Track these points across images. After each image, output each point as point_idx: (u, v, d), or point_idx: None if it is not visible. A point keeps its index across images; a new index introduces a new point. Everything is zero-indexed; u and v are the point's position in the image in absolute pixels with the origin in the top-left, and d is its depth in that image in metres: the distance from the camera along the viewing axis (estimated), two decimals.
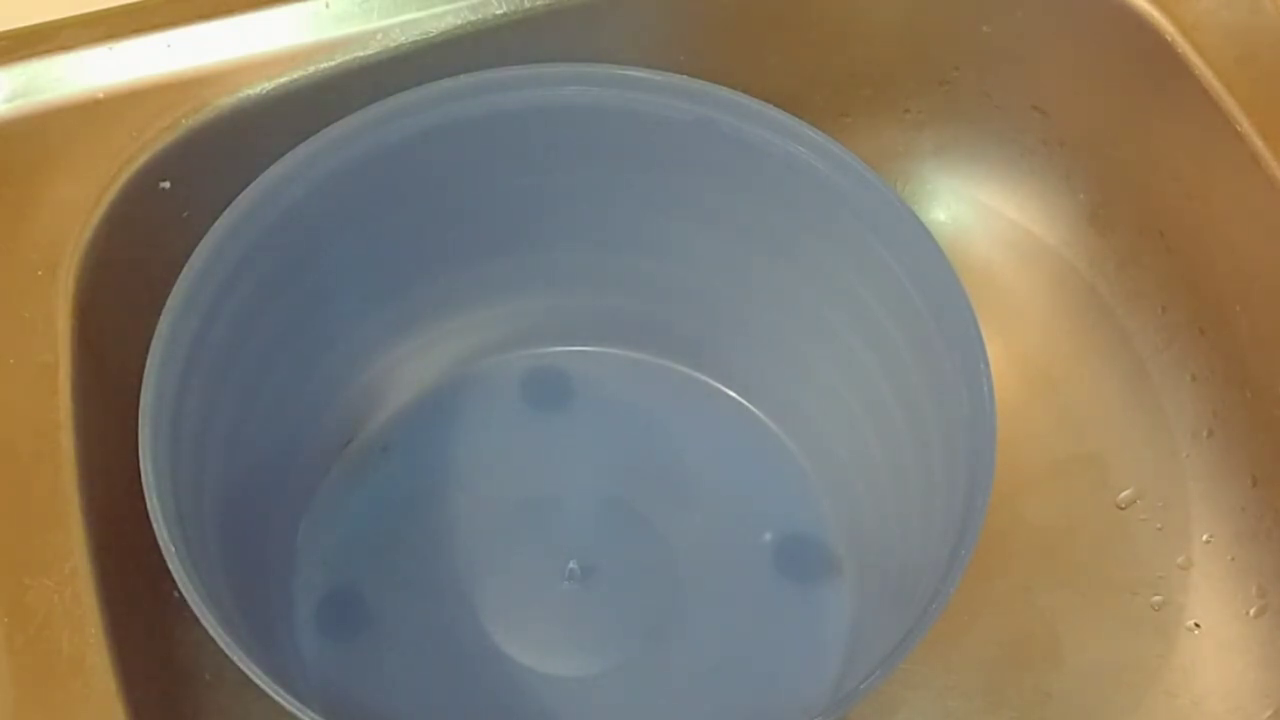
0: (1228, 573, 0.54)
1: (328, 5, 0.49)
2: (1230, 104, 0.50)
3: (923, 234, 0.45)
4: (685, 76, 0.47)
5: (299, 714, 0.37)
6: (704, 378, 0.56)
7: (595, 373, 0.56)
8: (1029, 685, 0.52)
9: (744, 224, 0.50)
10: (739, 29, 0.55)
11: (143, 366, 0.40)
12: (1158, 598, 0.54)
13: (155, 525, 0.38)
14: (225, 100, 0.48)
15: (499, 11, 0.50)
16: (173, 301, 0.42)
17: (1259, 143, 0.49)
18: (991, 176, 0.61)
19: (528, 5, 0.50)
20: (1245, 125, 0.50)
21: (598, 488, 0.53)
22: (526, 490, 0.53)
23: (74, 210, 0.46)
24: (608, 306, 0.55)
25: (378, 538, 0.52)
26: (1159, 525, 0.55)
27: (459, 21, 0.50)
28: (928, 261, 0.45)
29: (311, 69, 0.49)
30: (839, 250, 0.48)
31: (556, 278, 0.54)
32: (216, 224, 0.43)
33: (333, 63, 0.49)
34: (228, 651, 0.37)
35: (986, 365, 0.43)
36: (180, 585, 0.38)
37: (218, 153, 0.48)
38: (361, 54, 0.49)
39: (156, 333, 0.41)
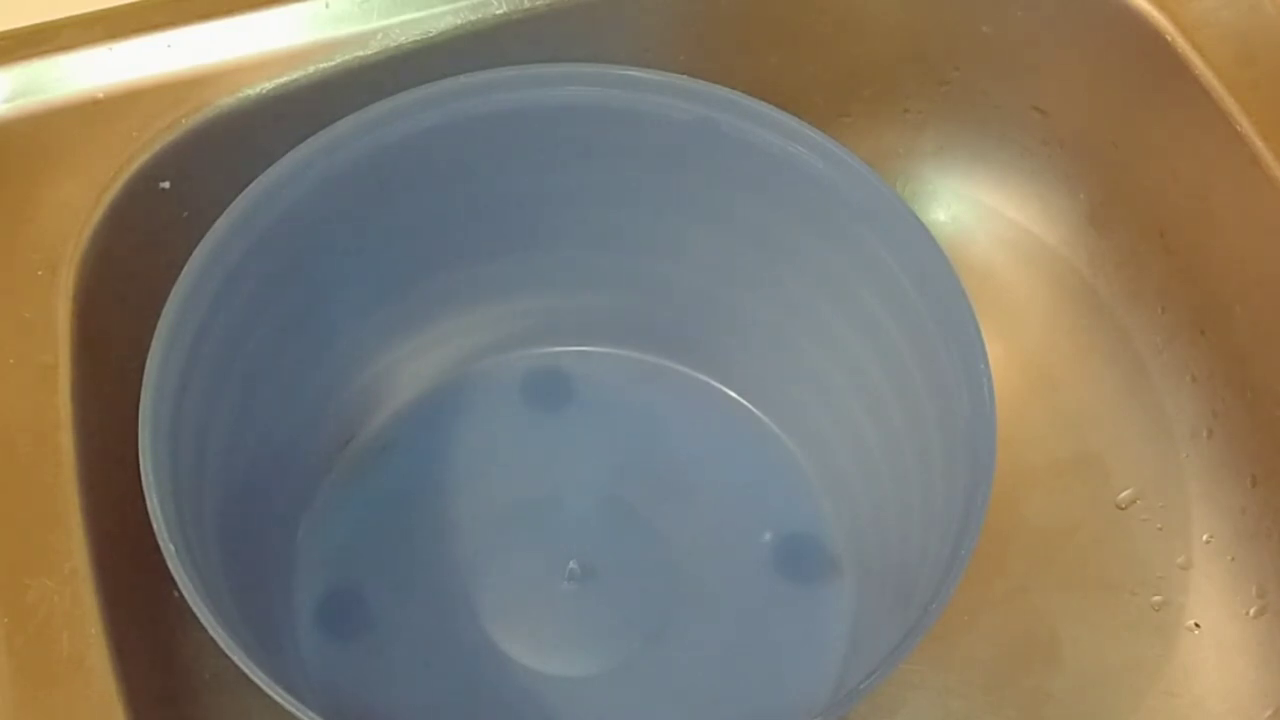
0: (1228, 573, 0.54)
1: (328, 5, 0.49)
2: (1230, 104, 0.50)
3: (923, 234, 0.45)
4: (685, 76, 0.47)
5: (299, 714, 0.37)
6: (704, 378, 0.56)
7: (595, 373, 0.56)
8: (1029, 685, 0.52)
9: (744, 224, 0.50)
10: (739, 29, 0.55)
11: (143, 366, 0.40)
12: (1158, 598, 0.54)
13: (155, 525, 0.38)
14: (225, 100, 0.48)
15: (499, 11, 0.50)
16: (173, 301, 0.42)
17: (1259, 143, 0.49)
18: (991, 176, 0.61)
19: (528, 5, 0.50)
20: (1245, 125, 0.50)
21: (598, 488, 0.53)
22: (526, 490, 0.53)
23: (74, 210, 0.46)
24: (608, 306, 0.55)
25: (378, 538, 0.52)
26: (1159, 525, 0.55)
27: (459, 21, 0.50)
28: (928, 261, 0.45)
29: (311, 69, 0.49)
30: (839, 250, 0.48)
31: (556, 278, 0.54)
32: (216, 224, 0.43)
33: (332, 63, 0.49)
34: (228, 651, 0.37)
35: (986, 365, 0.43)
36: (180, 585, 0.38)
37: (218, 153, 0.48)
38: (361, 54, 0.49)
39: (156, 333, 0.41)
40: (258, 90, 0.48)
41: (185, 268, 0.42)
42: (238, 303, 0.44)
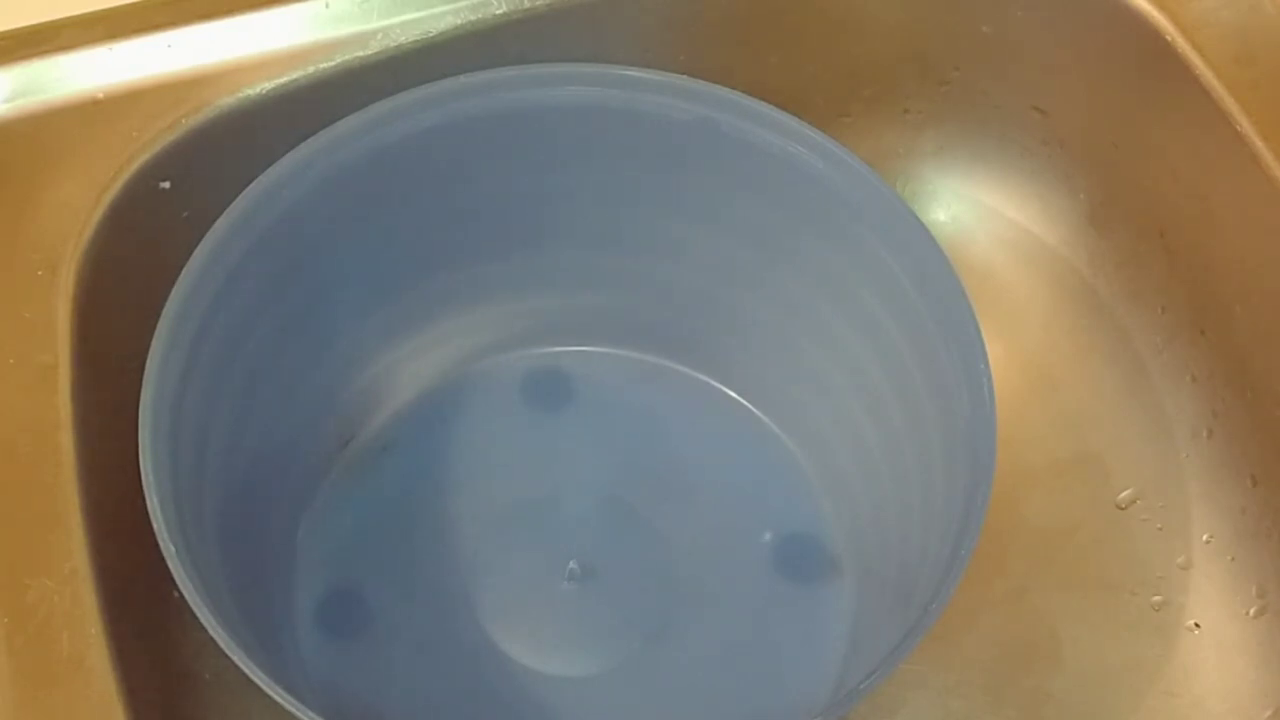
0: (1228, 573, 0.54)
1: (328, 5, 0.49)
2: (1230, 104, 0.50)
3: (923, 234, 0.45)
4: (685, 76, 0.47)
5: (299, 714, 0.37)
6: (704, 378, 0.56)
7: (595, 373, 0.56)
8: (1029, 685, 0.52)
9: (744, 224, 0.50)
10: (739, 29, 0.55)
11: (143, 366, 0.40)
12: (1158, 598, 0.54)
13: (155, 525, 0.38)
14: (225, 100, 0.48)
15: (499, 11, 0.50)
16: (173, 301, 0.42)
17: (1259, 143, 0.49)
18: (991, 176, 0.61)
19: (528, 5, 0.50)
20: (1245, 125, 0.50)
21: (598, 488, 0.53)
22: (526, 490, 0.53)
23: (74, 210, 0.46)
24: (608, 306, 0.55)
25: (378, 538, 0.52)
26: (1159, 525, 0.55)
27: (459, 21, 0.50)
28: (928, 261, 0.45)
29: (311, 69, 0.49)
30: (839, 250, 0.48)
31: (557, 278, 0.54)
32: (216, 224, 0.43)
33: (332, 63, 0.49)
34: (228, 651, 0.37)
35: (986, 365, 0.43)
36: (180, 585, 0.38)
37: (218, 153, 0.48)
38: (361, 54, 0.49)
39: (156, 333, 0.41)
40: (258, 90, 0.48)
41: (185, 268, 0.42)
42: (238, 303, 0.44)
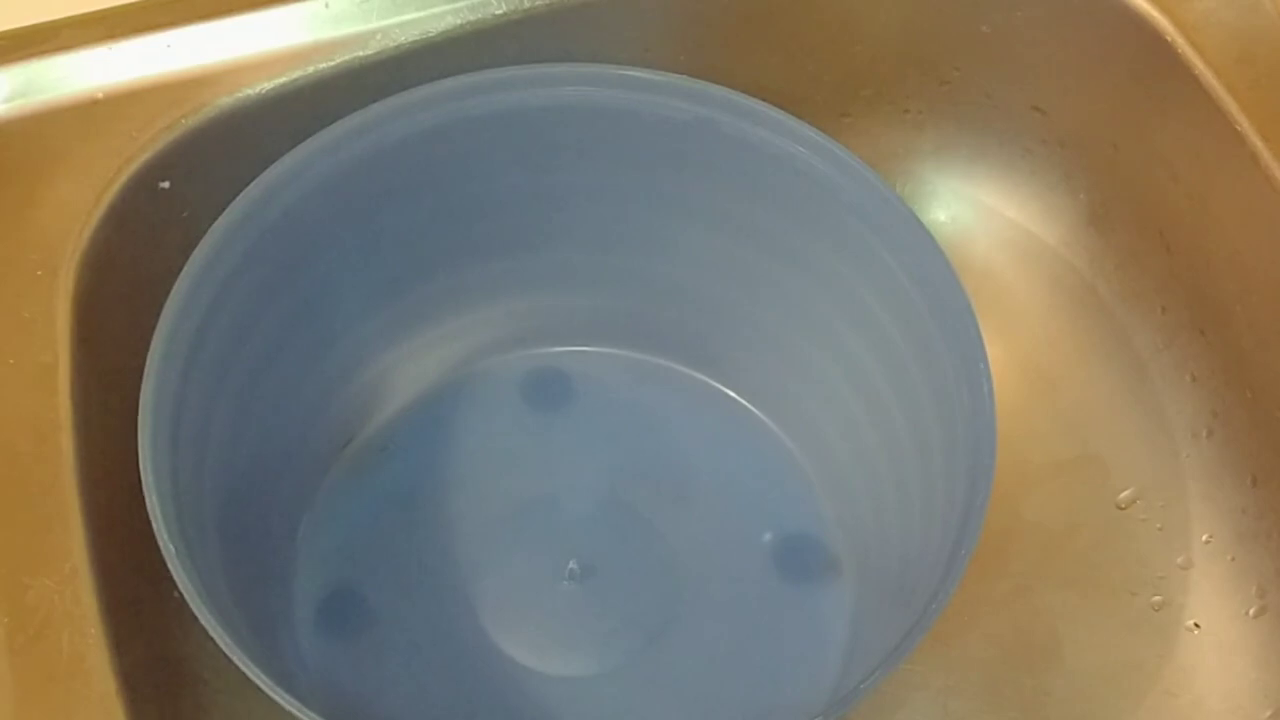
0: (1228, 573, 0.54)
1: (327, 5, 0.49)
2: (1230, 104, 0.50)
3: (923, 234, 0.45)
4: (685, 76, 0.47)
5: (299, 714, 0.37)
6: (704, 378, 0.56)
7: (595, 373, 0.56)
8: (1029, 685, 0.52)
9: (744, 224, 0.50)
10: (739, 29, 0.55)
11: (143, 366, 0.40)
12: (1158, 598, 0.54)
13: (155, 525, 0.38)
14: (225, 100, 0.48)
15: (499, 11, 0.50)
16: (173, 301, 0.42)
17: (1259, 143, 0.49)
18: (991, 176, 0.61)
19: (528, 5, 0.50)
20: (1245, 125, 0.50)
21: (598, 488, 0.53)
22: (526, 490, 0.53)
23: (74, 210, 0.46)
24: (608, 306, 0.55)
25: (378, 538, 0.52)
26: (1159, 525, 0.55)
27: (459, 21, 0.50)
28: (928, 261, 0.45)
29: (311, 69, 0.49)
30: (839, 250, 0.48)
31: (556, 278, 0.54)
32: (216, 224, 0.43)
33: (332, 63, 0.49)
34: (228, 651, 0.37)
35: (986, 365, 0.43)
36: (180, 585, 0.38)
37: (218, 153, 0.48)
38: (361, 54, 0.49)
39: (156, 333, 0.41)
40: (258, 90, 0.48)
41: (185, 268, 0.42)
42: (238, 303, 0.44)
